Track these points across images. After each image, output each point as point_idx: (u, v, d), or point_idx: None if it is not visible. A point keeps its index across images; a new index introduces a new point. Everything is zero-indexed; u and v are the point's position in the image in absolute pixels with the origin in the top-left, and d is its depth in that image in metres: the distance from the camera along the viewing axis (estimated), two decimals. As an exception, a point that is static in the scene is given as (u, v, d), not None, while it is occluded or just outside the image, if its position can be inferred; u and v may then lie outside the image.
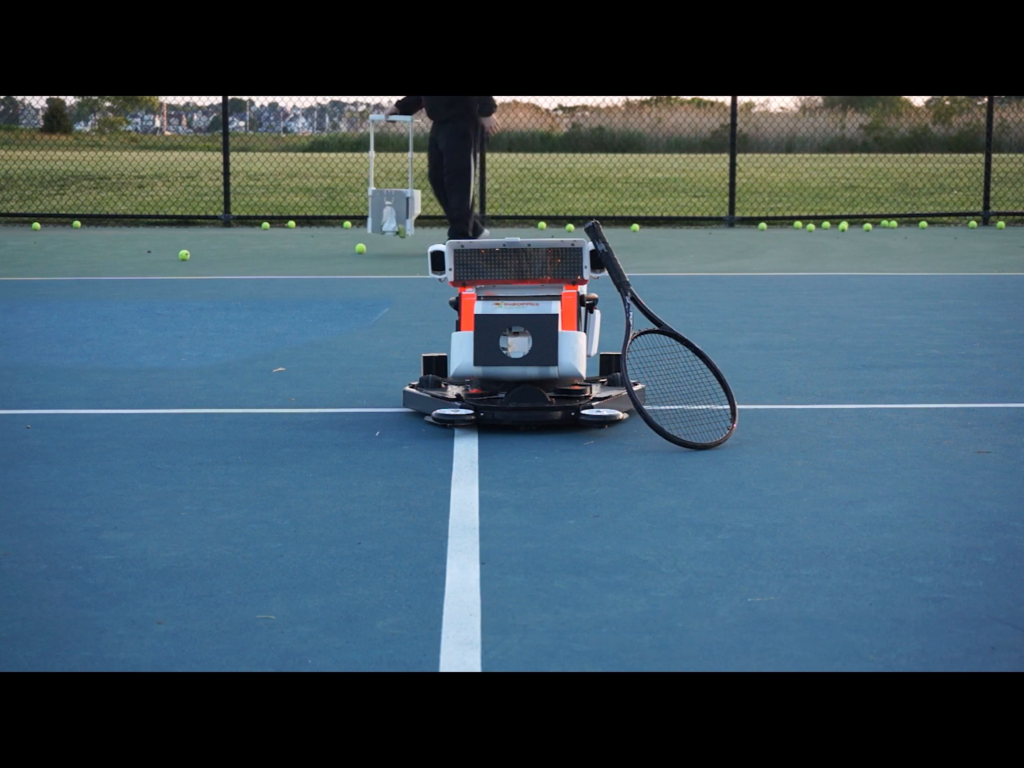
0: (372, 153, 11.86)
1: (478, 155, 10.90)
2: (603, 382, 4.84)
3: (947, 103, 29.34)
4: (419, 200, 11.33)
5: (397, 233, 11.17)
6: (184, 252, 10.62)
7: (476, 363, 4.51)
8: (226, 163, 14.61)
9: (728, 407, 4.42)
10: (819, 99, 29.72)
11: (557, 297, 4.59)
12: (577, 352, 4.51)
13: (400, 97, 11.17)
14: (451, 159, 10.59)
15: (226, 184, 14.61)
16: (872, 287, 8.89)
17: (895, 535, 3.33)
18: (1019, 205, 16.41)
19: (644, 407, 4.35)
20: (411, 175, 11.32)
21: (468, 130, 10.56)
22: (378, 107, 32.64)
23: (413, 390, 4.73)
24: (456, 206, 10.70)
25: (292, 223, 14.70)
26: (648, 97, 27.77)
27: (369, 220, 11.24)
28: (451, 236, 10.81)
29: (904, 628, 2.71)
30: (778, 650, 2.59)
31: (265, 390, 5.21)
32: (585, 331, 4.67)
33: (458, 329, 4.63)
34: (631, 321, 4.45)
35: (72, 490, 3.76)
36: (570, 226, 14.32)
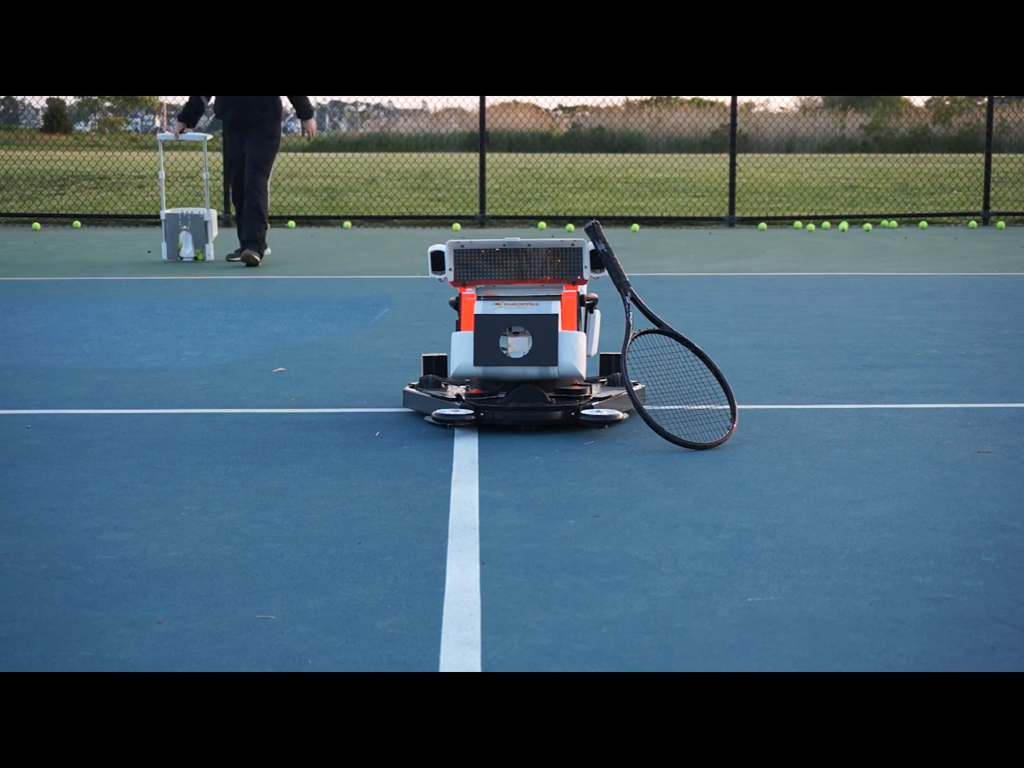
0: (162, 174, 10.81)
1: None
2: (603, 382, 4.84)
3: (947, 103, 29.33)
4: (216, 221, 10.59)
5: (196, 258, 10.35)
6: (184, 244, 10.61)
7: (476, 363, 4.51)
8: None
9: (728, 407, 4.42)
10: (819, 99, 29.70)
11: (557, 297, 4.59)
12: (577, 352, 4.51)
13: (180, 110, 10.51)
14: (259, 161, 9.88)
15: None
16: (872, 287, 8.89)
17: (895, 535, 3.33)
18: (1019, 205, 16.41)
19: (644, 407, 4.35)
20: (207, 193, 10.80)
21: (278, 132, 9.98)
22: (378, 107, 32.56)
23: (413, 390, 4.73)
24: (259, 215, 9.97)
25: (292, 223, 14.70)
26: (648, 97, 27.77)
27: (163, 247, 10.36)
28: (245, 250, 10.06)
29: (904, 628, 2.71)
30: (778, 650, 2.59)
31: (265, 390, 5.21)
32: (585, 331, 4.67)
33: (458, 329, 4.63)
34: (631, 321, 4.45)
35: (72, 490, 3.76)
36: (570, 226, 14.32)
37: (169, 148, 24.51)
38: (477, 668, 2.50)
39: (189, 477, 3.89)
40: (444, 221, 15.00)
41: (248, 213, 9.97)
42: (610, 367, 4.91)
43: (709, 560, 3.14)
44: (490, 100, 17.71)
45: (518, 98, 29.47)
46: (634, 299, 4.51)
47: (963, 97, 26.58)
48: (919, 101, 33.10)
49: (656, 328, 4.55)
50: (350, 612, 2.80)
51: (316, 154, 21.64)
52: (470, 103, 42.71)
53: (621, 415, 4.46)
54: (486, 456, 4.13)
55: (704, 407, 4.48)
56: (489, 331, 4.50)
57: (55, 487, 3.79)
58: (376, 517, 3.49)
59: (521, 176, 18.87)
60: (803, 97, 29.12)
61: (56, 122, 30.91)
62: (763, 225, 14.59)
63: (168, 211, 10.24)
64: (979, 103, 25.55)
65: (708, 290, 8.74)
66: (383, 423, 4.60)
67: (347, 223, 14.68)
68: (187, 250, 10.28)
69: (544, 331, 4.49)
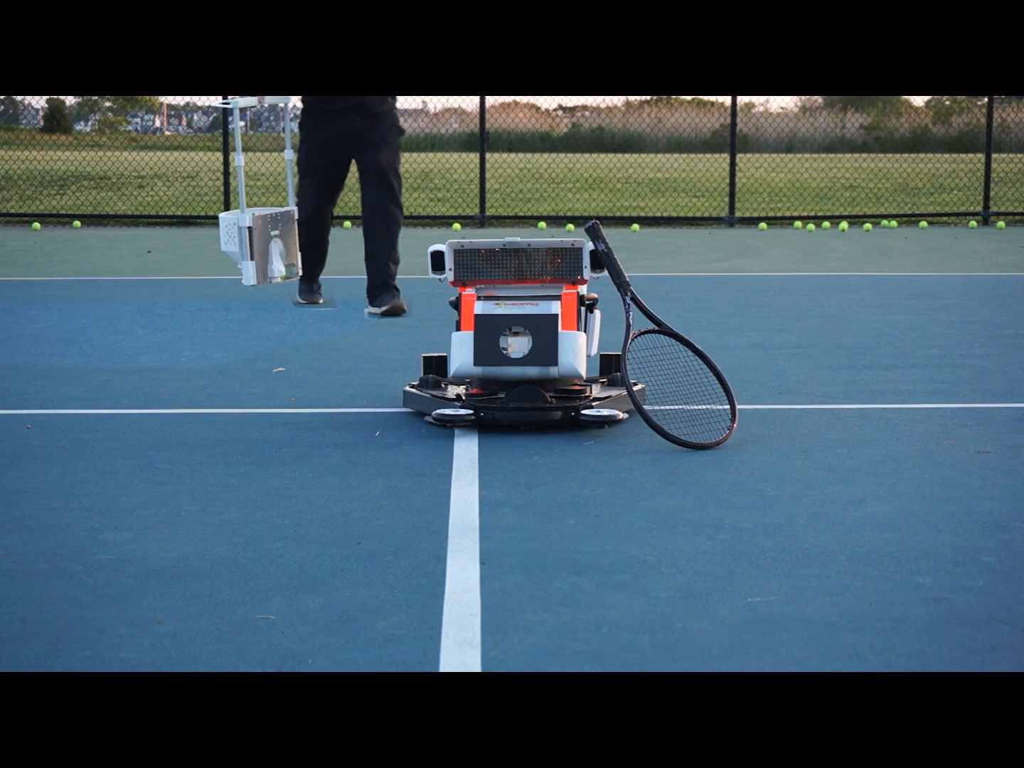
0: (240, 159, 6.40)
1: None
2: (603, 382, 4.84)
3: (947, 103, 29.33)
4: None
5: (287, 276, 6.35)
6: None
7: (476, 363, 4.51)
8: (226, 163, 14.60)
9: (728, 407, 4.42)
10: (819, 99, 29.71)
11: (557, 297, 4.59)
12: (577, 352, 4.51)
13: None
14: (396, 168, 7.51)
15: (226, 184, 14.61)
16: (872, 287, 8.89)
17: (895, 535, 3.33)
18: (1019, 205, 16.40)
19: (644, 407, 4.35)
20: (290, 184, 6.61)
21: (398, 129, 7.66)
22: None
23: (413, 390, 4.73)
24: (394, 244, 7.51)
25: (292, 223, 14.68)
26: (648, 97, 27.76)
27: (248, 268, 5.92)
28: (390, 298, 7.40)
29: (904, 628, 2.71)
30: (778, 650, 2.59)
31: (265, 390, 5.21)
32: (585, 331, 4.67)
33: (458, 329, 4.63)
34: (631, 321, 4.45)
35: (72, 490, 3.76)
36: (570, 226, 14.31)
37: (174, 148, 24.47)
38: (477, 668, 2.50)
39: (189, 477, 3.89)
40: (444, 221, 15.00)
41: (382, 245, 7.45)
42: (610, 367, 4.91)
43: (709, 560, 3.14)
44: (490, 100, 17.72)
45: (518, 98, 29.47)
46: (634, 299, 4.51)
47: (963, 97, 26.58)
48: (919, 101, 33.09)
49: (656, 328, 4.55)
50: (350, 612, 2.80)
51: (316, 154, 21.60)
52: (470, 103, 42.69)
53: (621, 415, 4.46)
54: (486, 456, 4.13)
55: (704, 407, 4.48)
56: (489, 331, 4.50)
57: (55, 487, 3.79)
58: (376, 517, 3.49)
59: (521, 176, 18.86)
60: (803, 97, 29.12)
61: (56, 122, 30.91)
62: (763, 225, 14.58)
63: (258, 209, 6.28)
64: (979, 103, 25.54)
65: (708, 290, 8.74)
66: (383, 423, 4.60)
67: (347, 223, 14.68)
68: (277, 266, 6.27)
69: (544, 331, 4.49)
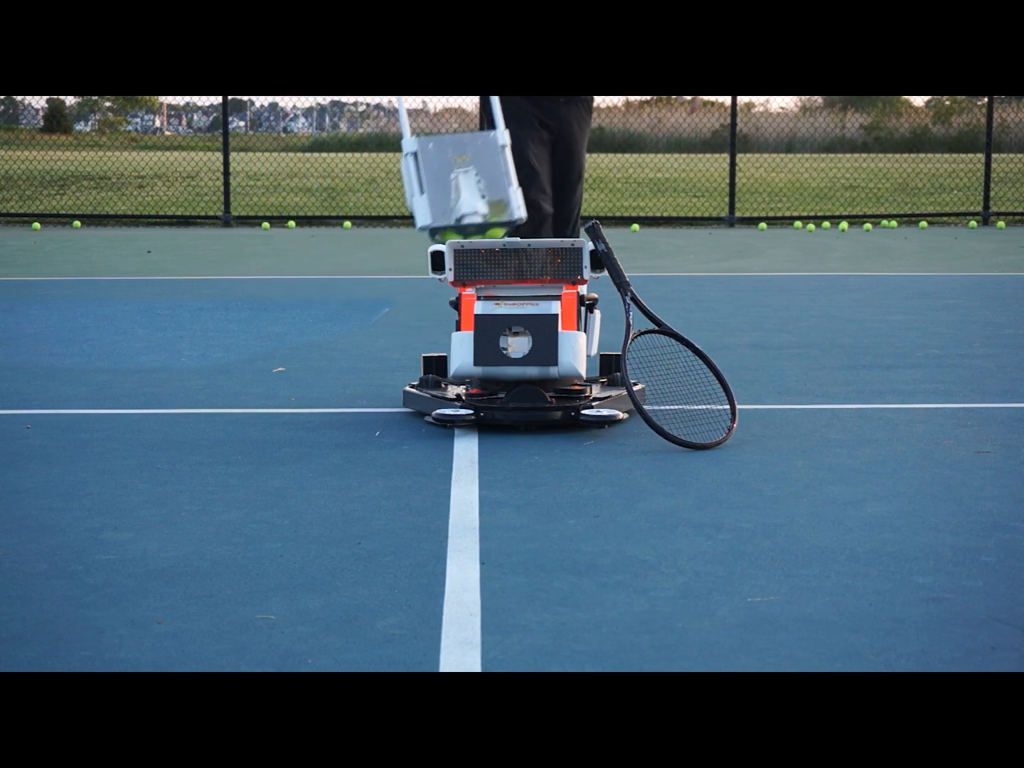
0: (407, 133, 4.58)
1: None
2: (603, 382, 4.84)
3: (947, 103, 29.34)
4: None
5: (496, 219, 4.59)
6: None
7: (476, 363, 4.51)
8: (226, 163, 14.60)
9: (728, 407, 4.41)
10: (819, 99, 29.72)
11: (557, 297, 4.59)
12: (577, 352, 4.50)
13: None
14: (583, 154, 5.97)
15: (226, 184, 14.61)
16: (872, 287, 8.89)
17: (895, 535, 3.33)
18: (1019, 205, 16.40)
19: (644, 407, 4.35)
20: (498, 114, 4.77)
21: None
22: (378, 107, 32.61)
23: (413, 390, 4.73)
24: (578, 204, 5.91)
25: (292, 223, 14.70)
26: (648, 97, 27.75)
27: (418, 204, 4.53)
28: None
29: (904, 628, 2.71)
30: (778, 650, 2.59)
31: (265, 390, 5.21)
32: (585, 331, 4.67)
33: (458, 329, 4.63)
34: (631, 321, 4.45)
35: (72, 490, 3.76)
36: (570, 226, 14.30)
37: (174, 148, 24.44)
38: (477, 668, 2.50)
39: (189, 477, 3.89)
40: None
41: (573, 213, 5.96)
42: (610, 367, 4.91)
43: (709, 560, 3.14)
44: (490, 100, 17.69)
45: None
46: (634, 299, 4.51)
47: (963, 97, 26.58)
48: (919, 101, 33.11)
49: (656, 328, 4.55)
50: (350, 612, 2.80)
51: (316, 154, 21.64)
52: (470, 103, 42.63)
53: (621, 415, 4.46)
54: (486, 456, 4.13)
55: (704, 407, 4.48)
56: (489, 331, 4.50)
57: (55, 487, 3.79)
58: (376, 517, 3.49)
59: (521, 176, 18.82)
60: (803, 97, 29.12)
61: (56, 122, 30.93)
62: (763, 225, 14.58)
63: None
64: (979, 103, 25.54)
65: (708, 290, 8.74)
66: (383, 423, 4.60)
67: (347, 223, 14.68)
68: (469, 199, 4.52)
69: (544, 331, 4.49)
